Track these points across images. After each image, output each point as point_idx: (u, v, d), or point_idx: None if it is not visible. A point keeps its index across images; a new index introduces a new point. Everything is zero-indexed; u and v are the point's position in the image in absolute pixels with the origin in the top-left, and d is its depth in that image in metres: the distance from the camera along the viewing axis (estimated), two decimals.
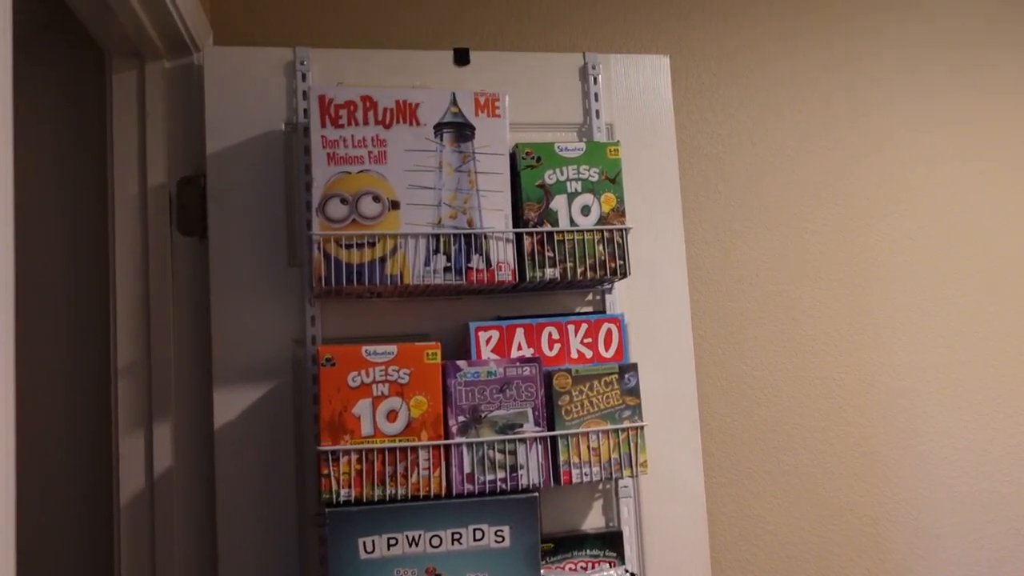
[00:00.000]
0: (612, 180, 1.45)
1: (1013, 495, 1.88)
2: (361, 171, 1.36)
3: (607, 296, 1.55)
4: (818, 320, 1.83)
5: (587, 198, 1.43)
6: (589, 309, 1.56)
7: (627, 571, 1.43)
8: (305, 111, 1.48)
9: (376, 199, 1.36)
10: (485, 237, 1.38)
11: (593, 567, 1.46)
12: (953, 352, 1.89)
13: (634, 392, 1.41)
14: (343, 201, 1.35)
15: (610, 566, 1.46)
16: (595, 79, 1.60)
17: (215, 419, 1.41)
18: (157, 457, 1.44)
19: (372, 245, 1.35)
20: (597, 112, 1.59)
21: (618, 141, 1.46)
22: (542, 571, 1.40)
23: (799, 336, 1.81)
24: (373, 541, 1.30)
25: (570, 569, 1.45)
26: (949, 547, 1.83)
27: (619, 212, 1.44)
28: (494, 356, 1.42)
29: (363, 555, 1.29)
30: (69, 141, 1.56)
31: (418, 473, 1.32)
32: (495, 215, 1.40)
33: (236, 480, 1.42)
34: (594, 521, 1.52)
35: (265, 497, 1.42)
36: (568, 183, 1.43)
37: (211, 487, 1.43)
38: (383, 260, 1.35)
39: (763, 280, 1.81)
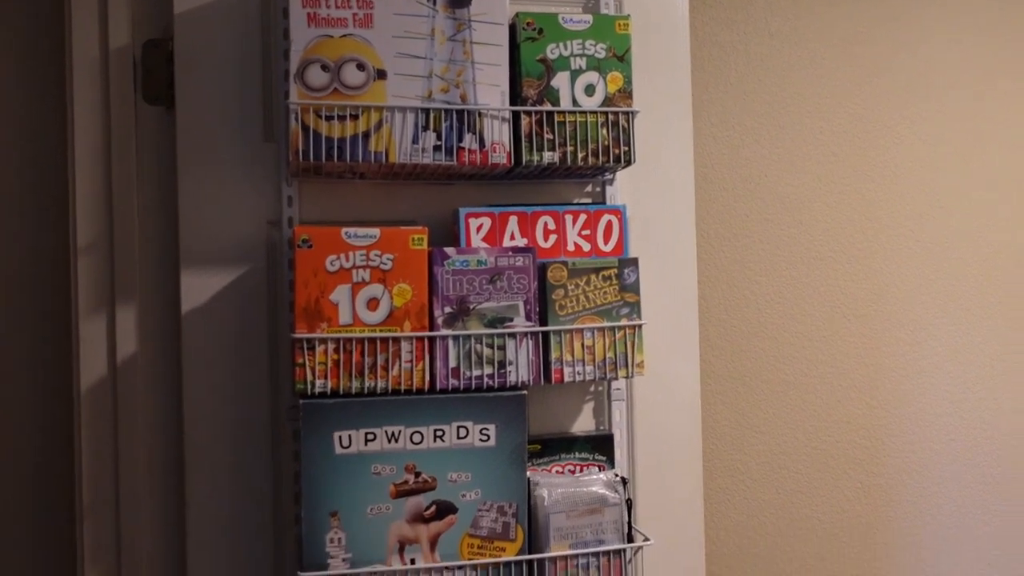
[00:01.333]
0: (620, 58, 1.32)
1: (1014, 411, 1.82)
2: (345, 35, 1.23)
3: (608, 187, 1.45)
4: (827, 226, 1.73)
5: (592, 76, 1.31)
6: (588, 200, 1.45)
7: (616, 475, 1.36)
8: None
9: (360, 67, 1.23)
10: (479, 114, 1.27)
11: (581, 470, 1.39)
12: (964, 265, 1.80)
13: (633, 288, 1.32)
14: (324, 68, 1.22)
15: (599, 470, 1.40)
16: None
17: (182, 304, 1.32)
18: (120, 342, 1.35)
19: (355, 118, 1.23)
20: None
21: (628, 15, 1.34)
22: (528, 472, 1.33)
23: (806, 241, 1.72)
24: (350, 435, 1.22)
25: (557, 472, 1.38)
26: (944, 463, 1.78)
27: (626, 93, 1.32)
28: (485, 245, 1.32)
29: (339, 450, 1.22)
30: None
31: (399, 366, 1.23)
32: (491, 91, 1.28)
33: (204, 369, 1.32)
34: (584, 424, 1.45)
35: (236, 388, 1.34)
36: (572, 59, 1.31)
37: (178, 376, 1.34)
38: (367, 135, 1.23)
39: (772, 181, 1.71)
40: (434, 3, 1.26)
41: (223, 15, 1.33)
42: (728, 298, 1.69)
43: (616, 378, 1.32)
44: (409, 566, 1.23)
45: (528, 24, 1.30)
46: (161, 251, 1.36)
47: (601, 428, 1.45)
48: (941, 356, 1.78)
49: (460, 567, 1.25)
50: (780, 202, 1.71)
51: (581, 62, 1.31)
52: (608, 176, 1.44)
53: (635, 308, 1.32)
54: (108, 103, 1.35)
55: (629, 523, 1.32)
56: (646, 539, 1.34)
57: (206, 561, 1.32)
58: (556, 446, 1.39)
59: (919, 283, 1.77)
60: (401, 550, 1.23)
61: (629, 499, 1.33)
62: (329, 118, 1.22)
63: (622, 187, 1.46)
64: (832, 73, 1.73)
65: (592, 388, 1.45)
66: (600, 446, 1.41)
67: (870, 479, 1.75)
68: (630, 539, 1.32)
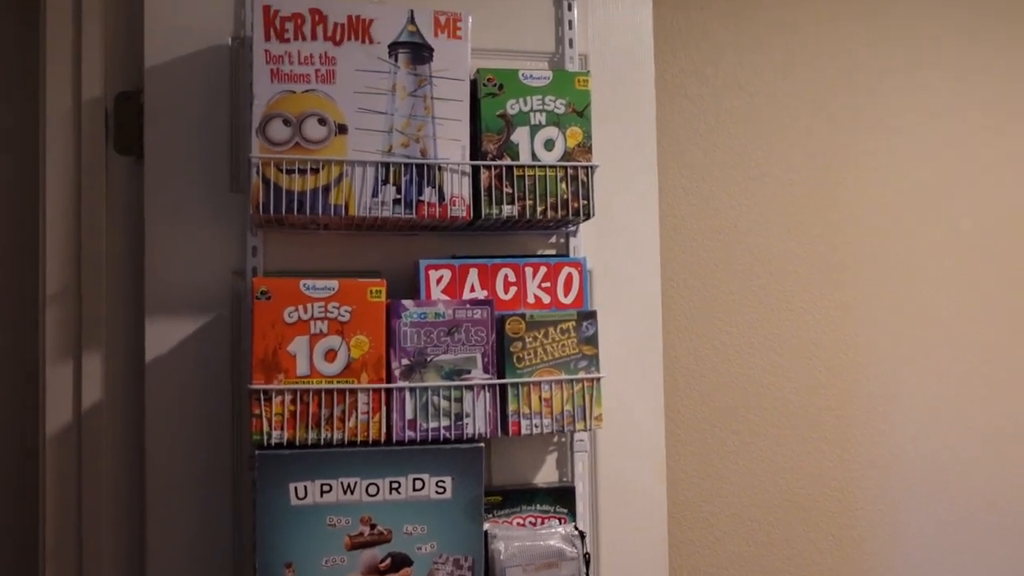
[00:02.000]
0: (580, 113, 1.34)
1: (982, 463, 1.81)
2: (307, 91, 1.26)
3: (571, 240, 1.46)
4: (797, 277, 1.74)
5: (551, 131, 1.33)
6: (552, 251, 1.47)
7: (576, 528, 1.36)
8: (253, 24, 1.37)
9: (322, 122, 1.26)
10: (439, 168, 1.29)
11: (542, 523, 1.39)
12: (935, 318, 1.80)
13: (592, 341, 1.32)
14: (286, 122, 1.25)
15: (560, 522, 1.39)
16: (570, 5, 1.48)
17: (147, 351, 1.33)
18: (86, 389, 1.36)
19: (316, 172, 1.25)
20: (571, 41, 1.48)
21: (588, 71, 1.36)
22: (487, 525, 1.33)
23: (776, 292, 1.73)
24: (305, 487, 1.22)
25: (517, 524, 1.38)
26: (917, 517, 1.77)
27: (585, 148, 1.34)
28: (444, 297, 1.33)
29: (294, 501, 1.22)
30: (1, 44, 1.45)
31: (356, 417, 1.24)
32: (451, 145, 1.29)
33: (168, 417, 1.33)
34: (547, 475, 1.45)
35: (198, 437, 1.34)
36: (532, 114, 1.33)
37: (142, 424, 1.35)
38: (327, 188, 1.25)
39: (741, 231, 1.72)
40: (396, 59, 1.28)
41: (193, 69, 1.36)
42: (696, 348, 1.69)
43: (575, 431, 1.32)
44: None
45: (489, 80, 1.32)
46: (127, 299, 1.38)
47: (564, 479, 1.45)
48: (912, 408, 1.77)
49: None
50: (750, 252, 1.72)
51: (541, 117, 1.33)
52: (572, 228, 1.45)
53: (593, 361, 1.32)
54: (80, 153, 1.38)
55: None
56: None
57: None
58: (517, 498, 1.39)
59: (889, 334, 1.77)
60: None
61: (587, 553, 1.32)
62: (290, 172, 1.24)
63: (586, 239, 1.48)
64: (800, 124, 1.75)
65: (555, 439, 1.45)
66: (562, 498, 1.41)
67: (842, 531, 1.74)
68: None
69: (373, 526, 1.24)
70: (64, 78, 1.38)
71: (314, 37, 1.26)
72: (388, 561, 1.24)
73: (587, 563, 1.31)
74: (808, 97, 1.76)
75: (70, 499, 1.35)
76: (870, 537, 1.75)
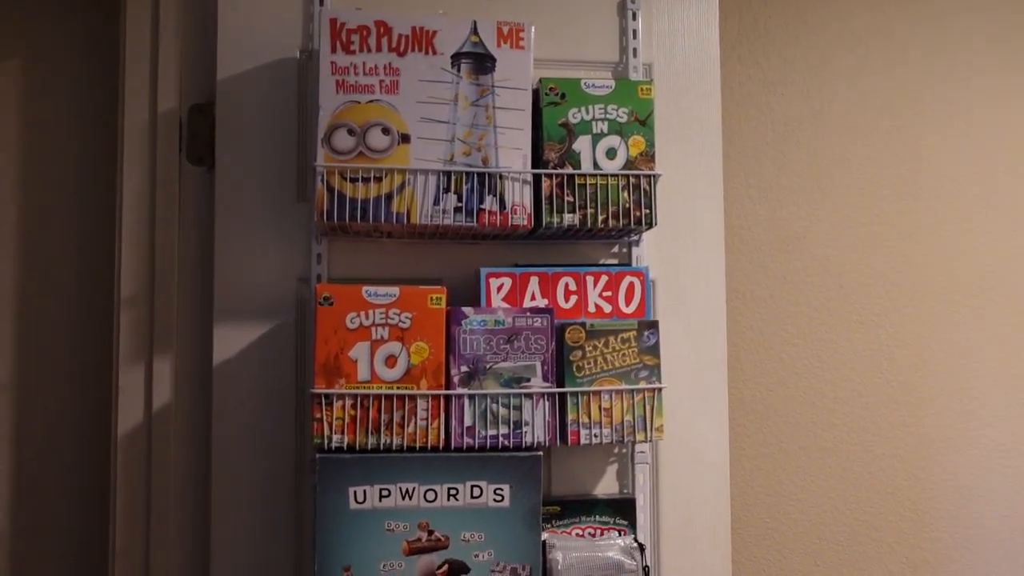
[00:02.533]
0: (642, 122, 1.33)
1: None
2: (371, 101, 1.28)
3: (634, 249, 1.45)
4: (869, 288, 1.69)
5: (613, 140, 1.32)
6: (614, 261, 1.45)
7: (636, 541, 1.34)
8: None
9: (385, 131, 1.27)
10: (500, 177, 1.29)
11: (602, 534, 1.37)
12: (1016, 331, 1.73)
13: (653, 351, 1.31)
14: (350, 132, 1.27)
15: (619, 534, 1.38)
16: (634, 14, 1.48)
17: (215, 355, 1.36)
18: (156, 391, 1.40)
19: (379, 180, 1.27)
20: (635, 51, 1.47)
21: (651, 80, 1.35)
22: (546, 535, 1.32)
23: (847, 305, 1.68)
24: (364, 491, 1.23)
25: (577, 534, 1.37)
26: (999, 540, 1.69)
27: (648, 157, 1.33)
28: (505, 305, 1.33)
29: (353, 505, 1.23)
30: (79, 63, 1.51)
31: (415, 423, 1.24)
32: (512, 154, 1.30)
33: (234, 420, 1.36)
34: (607, 487, 1.44)
35: (263, 439, 1.37)
36: (594, 123, 1.32)
37: (208, 426, 1.38)
38: (390, 196, 1.27)
39: (810, 242, 1.68)
40: (458, 70, 1.29)
41: (263, 81, 1.39)
42: (763, 361, 1.65)
43: (635, 441, 1.31)
44: None
45: (551, 89, 1.32)
46: (197, 304, 1.42)
47: (624, 491, 1.44)
48: (992, 427, 1.70)
49: None
50: (819, 264, 1.68)
51: (603, 126, 1.32)
52: (634, 237, 1.44)
53: (655, 371, 1.31)
54: (154, 163, 1.42)
55: None
56: None
57: None
58: (577, 508, 1.38)
59: (969, 350, 1.71)
60: None
61: (647, 567, 1.30)
62: (354, 180, 1.26)
63: (649, 248, 1.46)
64: (874, 133, 1.71)
65: (616, 451, 1.44)
66: (622, 510, 1.39)
67: (916, 554, 1.67)
68: None
69: (431, 532, 1.24)
70: (141, 90, 1.43)
71: (379, 49, 1.28)
72: (445, 567, 1.24)
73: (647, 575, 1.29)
74: (878, 105, 1.71)
75: (139, 499, 1.39)
76: (947, 561, 1.68)
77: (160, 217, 1.42)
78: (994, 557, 1.69)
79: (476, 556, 1.25)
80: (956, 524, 1.69)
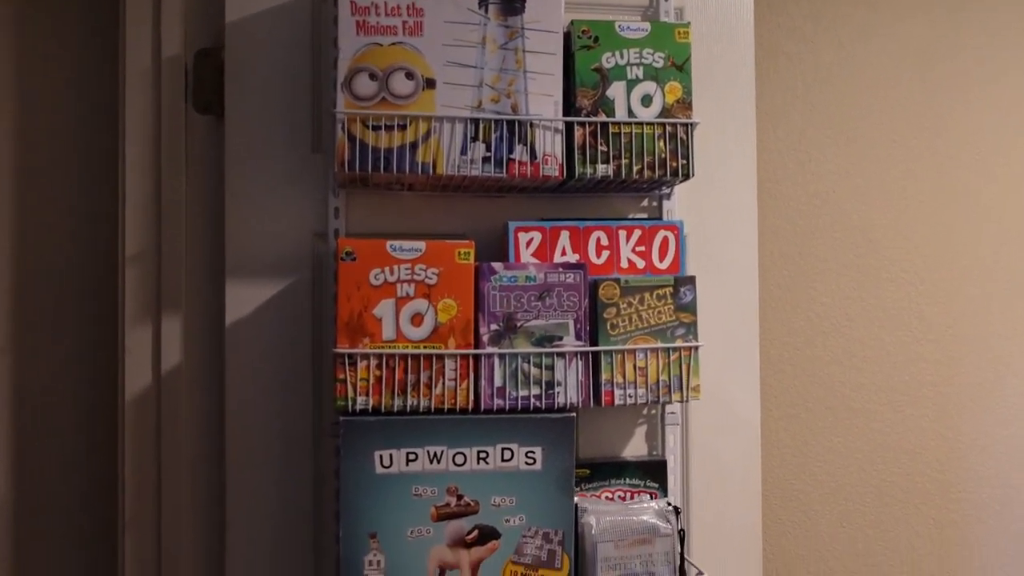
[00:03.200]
0: (679, 67, 1.27)
1: None
2: (394, 43, 1.20)
3: (664, 202, 1.39)
4: (900, 245, 1.64)
5: (649, 86, 1.26)
6: (644, 215, 1.39)
7: (669, 503, 1.29)
8: None
9: (409, 76, 1.20)
10: (531, 125, 1.22)
11: (632, 497, 1.33)
12: None
13: (690, 308, 1.25)
14: (372, 76, 1.19)
15: (651, 497, 1.33)
16: None
17: (227, 315, 1.30)
18: (165, 352, 1.34)
19: (403, 128, 1.19)
20: None
21: (688, 23, 1.28)
22: (576, 498, 1.28)
23: (877, 262, 1.63)
24: (391, 455, 1.18)
25: (606, 498, 1.32)
26: None
27: (685, 104, 1.26)
28: (534, 260, 1.27)
29: (379, 469, 1.18)
30: (78, 6, 1.42)
31: (443, 384, 1.19)
32: (543, 101, 1.23)
33: (248, 382, 1.30)
34: (636, 448, 1.39)
35: (279, 402, 1.31)
36: (628, 68, 1.25)
37: (221, 388, 1.32)
38: (414, 145, 1.20)
39: (840, 197, 1.62)
40: (486, 11, 1.22)
41: (274, 24, 1.31)
42: (791, 319, 1.61)
43: (670, 402, 1.26)
44: None
45: (583, 32, 1.25)
46: (207, 261, 1.35)
47: (654, 453, 1.39)
48: (1022, 386, 1.67)
49: None
50: (849, 219, 1.62)
51: (638, 71, 1.25)
52: (665, 191, 1.38)
53: (691, 329, 1.25)
54: (159, 112, 1.35)
55: (682, 555, 1.25)
56: (700, 573, 1.27)
57: None
58: (606, 471, 1.34)
59: (1002, 308, 1.66)
60: (441, 575, 1.19)
61: (682, 529, 1.26)
62: (376, 128, 1.19)
63: (680, 202, 1.40)
64: (907, 85, 1.65)
65: (645, 411, 1.39)
66: (652, 472, 1.35)
67: (944, 515, 1.64)
68: (682, 572, 1.25)
69: (460, 497, 1.19)
70: (143, 35, 1.35)
71: None
72: (475, 533, 1.19)
73: (682, 540, 1.25)
74: (913, 56, 1.65)
75: (149, 466, 1.33)
76: (975, 521, 1.65)
77: (166, 169, 1.34)
78: (1020, 517, 1.67)
79: (507, 521, 1.20)
80: (983, 485, 1.66)
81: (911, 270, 1.64)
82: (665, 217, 1.39)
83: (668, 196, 1.38)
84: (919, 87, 1.65)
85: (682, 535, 1.25)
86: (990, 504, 1.66)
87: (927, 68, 1.65)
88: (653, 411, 1.39)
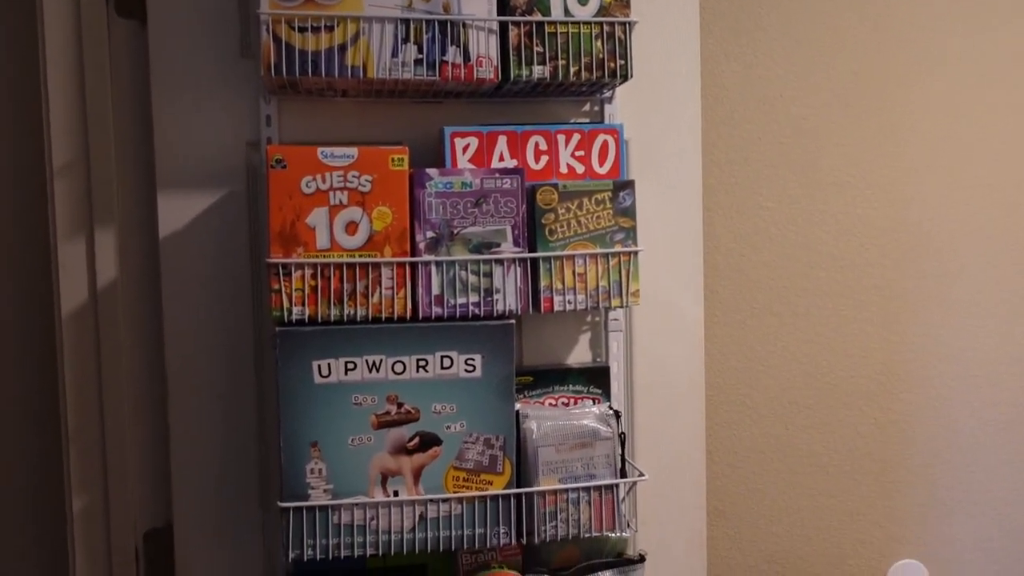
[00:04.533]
0: None
1: None
2: None
3: (606, 106, 1.36)
4: (845, 149, 1.63)
5: None
6: (586, 120, 1.37)
7: (609, 408, 1.31)
8: None
9: None
10: (463, 25, 1.19)
11: (575, 403, 1.34)
12: (995, 191, 1.69)
13: (629, 213, 1.24)
14: None
15: (593, 402, 1.34)
16: None
17: (160, 227, 1.27)
18: (100, 267, 1.31)
19: (330, 29, 1.15)
20: None
21: None
22: (518, 405, 1.29)
23: (822, 166, 1.62)
24: (329, 364, 1.18)
25: (550, 404, 1.33)
26: (966, 400, 1.71)
27: (623, 3, 1.23)
28: (471, 166, 1.25)
29: (318, 379, 1.17)
30: None
31: (380, 293, 1.18)
32: (477, 0, 1.19)
33: (185, 295, 1.29)
34: (580, 355, 1.40)
35: (219, 315, 1.30)
36: None
37: (159, 302, 1.30)
38: (343, 48, 1.16)
39: (787, 101, 1.60)
40: None
41: None
42: (736, 225, 1.60)
43: (610, 307, 1.26)
44: (392, 498, 1.19)
45: None
46: (138, 172, 1.31)
47: (598, 360, 1.40)
48: (966, 289, 1.69)
49: (445, 500, 1.21)
50: (795, 124, 1.61)
51: None
52: (606, 94, 1.35)
53: (631, 234, 1.25)
54: (79, 16, 1.29)
55: (623, 458, 1.27)
56: (641, 474, 1.29)
57: (192, 489, 1.30)
58: (549, 378, 1.34)
59: (945, 211, 1.67)
60: (384, 482, 1.20)
61: (622, 433, 1.27)
62: (303, 29, 1.15)
63: (622, 106, 1.38)
64: None
65: (589, 318, 1.39)
66: (596, 378, 1.36)
67: (885, 415, 1.68)
68: (623, 474, 1.27)
69: (400, 405, 1.20)
70: None
71: None
72: (416, 440, 1.20)
73: (622, 443, 1.27)
74: None
75: (90, 380, 1.32)
76: (915, 423, 1.69)
77: (90, 77, 1.29)
78: (961, 416, 1.71)
79: (448, 428, 1.21)
80: (925, 386, 1.69)
81: (856, 174, 1.64)
82: (607, 121, 1.36)
83: (610, 100, 1.36)
84: None
85: (622, 438, 1.27)
86: (930, 403, 1.69)
87: None
88: (597, 318, 1.39)
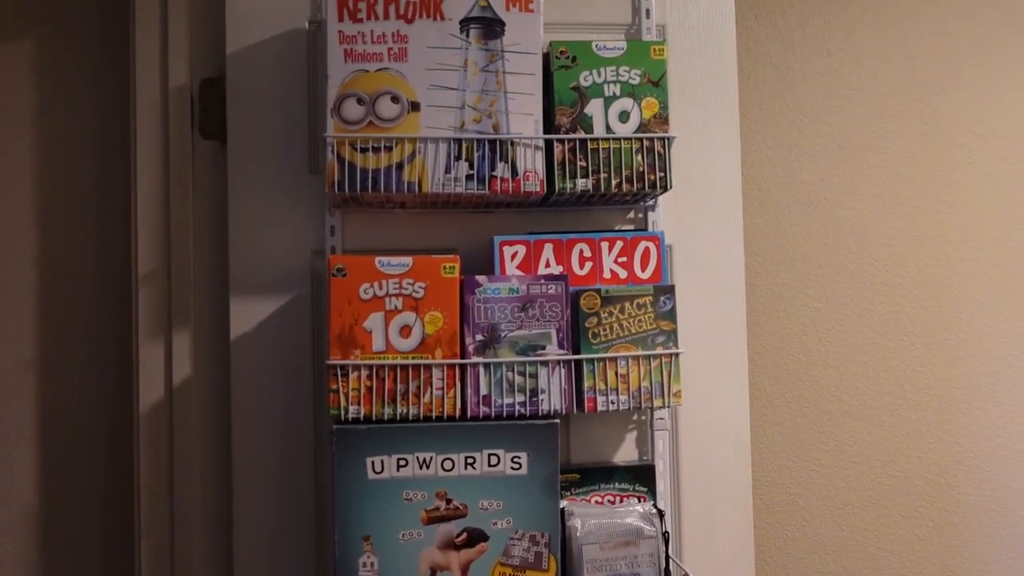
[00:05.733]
0: (655, 83, 1.31)
1: None
2: (380, 69, 1.27)
3: (650, 214, 1.43)
4: (893, 250, 1.66)
5: (626, 103, 1.30)
6: (631, 227, 1.44)
7: (653, 506, 1.33)
8: None
9: (395, 100, 1.26)
10: (512, 143, 1.28)
11: (621, 501, 1.37)
12: None
13: (670, 316, 1.29)
14: (359, 101, 1.26)
15: (639, 500, 1.37)
16: None
17: (231, 330, 1.37)
18: (176, 366, 1.41)
19: (389, 149, 1.26)
20: (648, 12, 1.44)
21: (663, 40, 1.33)
22: (565, 502, 1.32)
23: (870, 267, 1.65)
24: (382, 461, 1.24)
25: (596, 502, 1.36)
26: None
27: (662, 119, 1.31)
28: (519, 273, 1.32)
29: (371, 475, 1.23)
30: (91, 38, 1.51)
31: (431, 393, 1.24)
32: (523, 120, 1.28)
33: (252, 393, 1.37)
34: (626, 454, 1.43)
35: (282, 411, 1.38)
36: (606, 86, 1.30)
37: (228, 399, 1.39)
38: (400, 166, 1.26)
39: (832, 204, 1.65)
40: (467, 35, 1.27)
41: (272, 53, 1.39)
42: (784, 325, 1.63)
43: (652, 408, 1.30)
44: None
45: (562, 53, 1.30)
46: (213, 279, 1.42)
47: (644, 459, 1.43)
48: (1020, 387, 1.67)
49: None
50: (840, 225, 1.65)
51: (615, 89, 1.30)
52: (650, 202, 1.42)
53: (671, 336, 1.29)
54: (167, 139, 1.42)
55: (667, 556, 1.29)
56: (686, 574, 1.31)
57: None
58: (596, 476, 1.38)
59: (995, 309, 1.67)
60: None
61: (666, 532, 1.29)
62: (364, 150, 1.25)
63: (665, 213, 1.44)
64: (895, 91, 1.67)
65: (635, 417, 1.43)
66: (641, 476, 1.39)
67: (944, 517, 1.65)
68: (668, 574, 1.29)
69: (449, 501, 1.24)
70: (152, 66, 1.43)
71: (386, 16, 1.27)
72: (464, 536, 1.24)
73: (666, 541, 1.29)
74: (901, 62, 1.67)
75: (163, 474, 1.41)
76: (975, 525, 1.66)
77: (175, 192, 1.42)
78: (1020, 519, 1.67)
79: (495, 524, 1.25)
80: (983, 487, 1.66)
81: (903, 273, 1.66)
82: (651, 228, 1.43)
83: (653, 208, 1.42)
84: (906, 90, 1.67)
85: (666, 537, 1.29)
86: (990, 506, 1.66)
87: (912, 70, 1.67)
88: (643, 417, 1.43)
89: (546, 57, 1.31)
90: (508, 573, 1.25)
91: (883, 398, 1.64)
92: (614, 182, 1.29)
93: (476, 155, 1.27)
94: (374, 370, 1.23)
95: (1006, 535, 1.66)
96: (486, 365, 1.25)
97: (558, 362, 1.26)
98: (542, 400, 1.25)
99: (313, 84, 1.40)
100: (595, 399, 1.27)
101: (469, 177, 1.27)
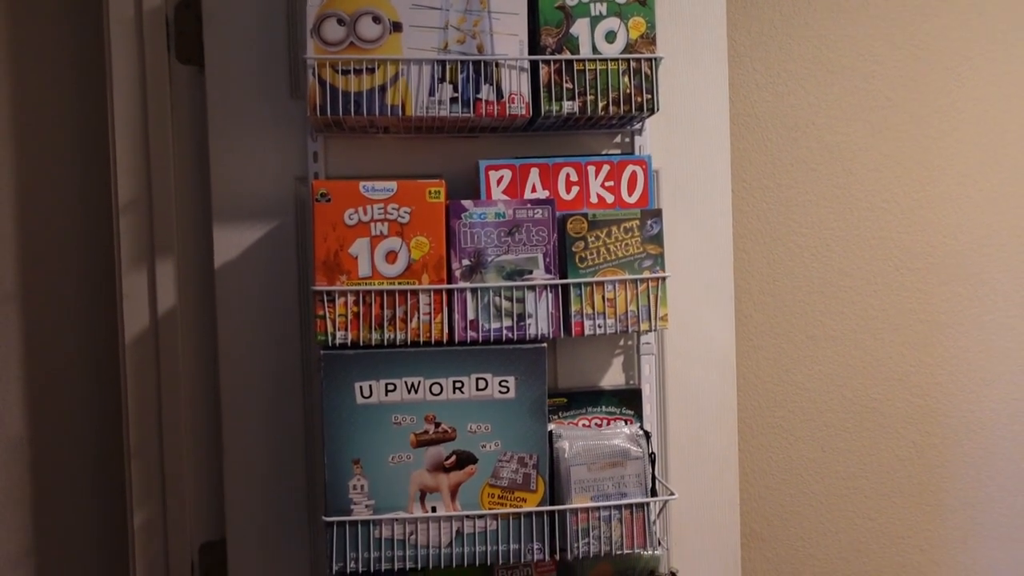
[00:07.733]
0: (642, 2, 1.28)
1: None
2: None
3: (636, 138, 1.42)
4: (880, 175, 1.65)
5: (612, 22, 1.28)
6: (617, 152, 1.42)
7: (641, 428, 1.35)
8: None
9: (376, 20, 1.23)
10: (496, 65, 1.25)
11: (608, 424, 1.39)
12: None
13: (657, 240, 1.29)
14: (340, 22, 1.23)
15: (626, 424, 1.39)
16: None
17: (216, 258, 1.36)
18: (160, 296, 1.40)
19: (371, 71, 1.23)
20: None
21: None
22: (552, 425, 1.34)
23: (856, 191, 1.65)
24: (370, 386, 1.24)
25: (583, 425, 1.38)
26: (1006, 423, 1.70)
27: (649, 39, 1.29)
28: (504, 197, 1.31)
29: (359, 400, 1.24)
30: None
31: (418, 318, 1.24)
32: (508, 40, 1.26)
33: (239, 320, 1.37)
34: (613, 378, 1.44)
35: (269, 339, 1.38)
36: (592, 5, 1.27)
37: (214, 327, 1.39)
38: (383, 88, 1.24)
39: (819, 129, 1.64)
40: None
41: None
42: (771, 250, 1.63)
43: (639, 332, 1.30)
44: (430, 514, 1.25)
45: None
46: (196, 207, 1.41)
47: (631, 383, 1.44)
48: (1003, 311, 1.69)
49: (480, 516, 1.26)
50: (828, 150, 1.64)
51: (601, 8, 1.27)
52: (636, 126, 1.40)
53: (658, 260, 1.29)
54: (143, 64, 1.39)
55: (653, 477, 1.31)
56: (671, 493, 1.33)
57: (243, 502, 1.38)
58: (583, 400, 1.39)
59: (980, 234, 1.68)
60: (422, 498, 1.25)
61: (652, 453, 1.31)
62: (346, 72, 1.23)
63: (652, 137, 1.43)
64: (886, 13, 1.64)
65: (621, 342, 1.44)
66: (628, 400, 1.40)
67: (924, 439, 1.68)
68: (654, 493, 1.31)
69: (438, 424, 1.25)
70: None
71: None
72: (453, 458, 1.26)
73: (652, 463, 1.31)
74: None
75: (150, 401, 1.41)
76: (953, 444, 1.69)
77: (153, 119, 1.39)
78: (1000, 440, 1.70)
79: (483, 446, 1.26)
80: (963, 408, 1.69)
81: (889, 198, 1.66)
82: (638, 152, 1.41)
83: (640, 132, 1.41)
84: (897, 11, 1.64)
85: (652, 458, 1.31)
86: (970, 427, 1.69)
87: None
88: (629, 342, 1.44)
89: None
90: (497, 494, 1.27)
91: (866, 322, 1.66)
92: (600, 104, 1.27)
93: (460, 77, 1.25)
94: (360, 296, 1.23)
95: (985, 455, 1.70)
96: (473, 290, 1.25)
97: (545, 286, 1.26)
98: (529, 324, 1.26)
99: (292, 5, 1.36)
100: (582, 323, 1.27)
101: (453, 100, 1.25)
